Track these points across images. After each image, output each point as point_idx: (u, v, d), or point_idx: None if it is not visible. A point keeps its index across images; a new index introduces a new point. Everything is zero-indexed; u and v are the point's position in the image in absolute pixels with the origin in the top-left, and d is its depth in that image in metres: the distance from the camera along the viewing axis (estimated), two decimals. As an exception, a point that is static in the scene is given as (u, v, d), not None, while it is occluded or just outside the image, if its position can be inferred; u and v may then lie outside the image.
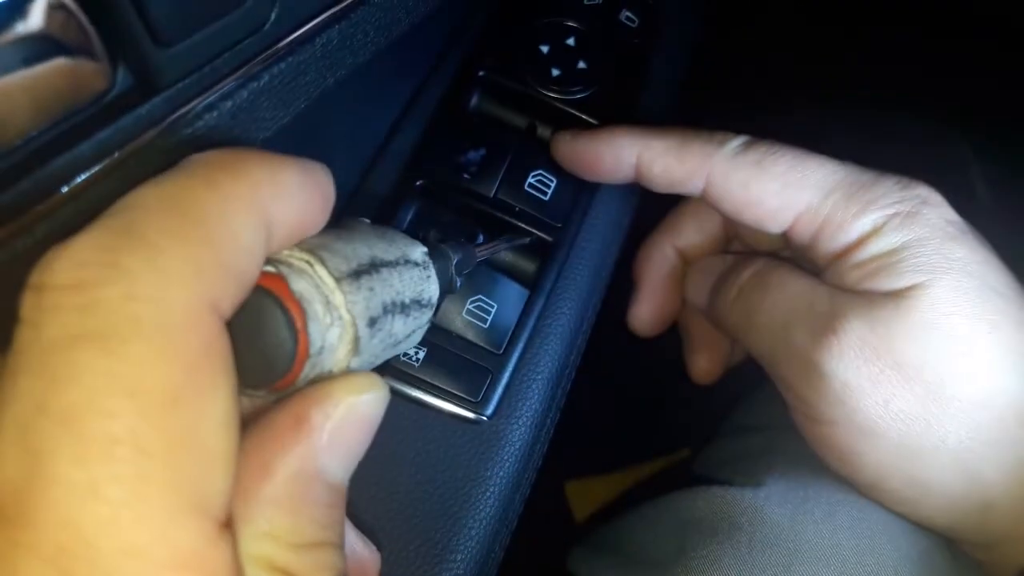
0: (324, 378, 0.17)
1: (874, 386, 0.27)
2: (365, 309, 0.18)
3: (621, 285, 0.37)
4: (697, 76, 0.42)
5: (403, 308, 0.19)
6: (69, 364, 0.12)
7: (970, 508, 0.28)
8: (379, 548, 0.22)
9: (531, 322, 0.32)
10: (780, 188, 0.29)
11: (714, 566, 0.30)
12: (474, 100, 0.35)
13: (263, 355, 0.16)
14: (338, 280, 0.17)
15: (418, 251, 0.21)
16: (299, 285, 0.17)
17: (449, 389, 0.30)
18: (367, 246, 0.19)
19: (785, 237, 0.32)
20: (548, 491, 0.66)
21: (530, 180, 0.33)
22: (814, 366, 0.28)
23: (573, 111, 0.35)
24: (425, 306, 0.21)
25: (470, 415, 0.30)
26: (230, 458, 0.14)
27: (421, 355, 0.30)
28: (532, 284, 0.33)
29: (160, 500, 0.12)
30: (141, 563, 0.12)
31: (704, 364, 0.37)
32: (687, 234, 0.37)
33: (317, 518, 0.16)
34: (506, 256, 0.33)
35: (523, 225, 0.33)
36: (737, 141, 0.30)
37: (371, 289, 0.18)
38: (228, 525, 0.14)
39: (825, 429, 0.29)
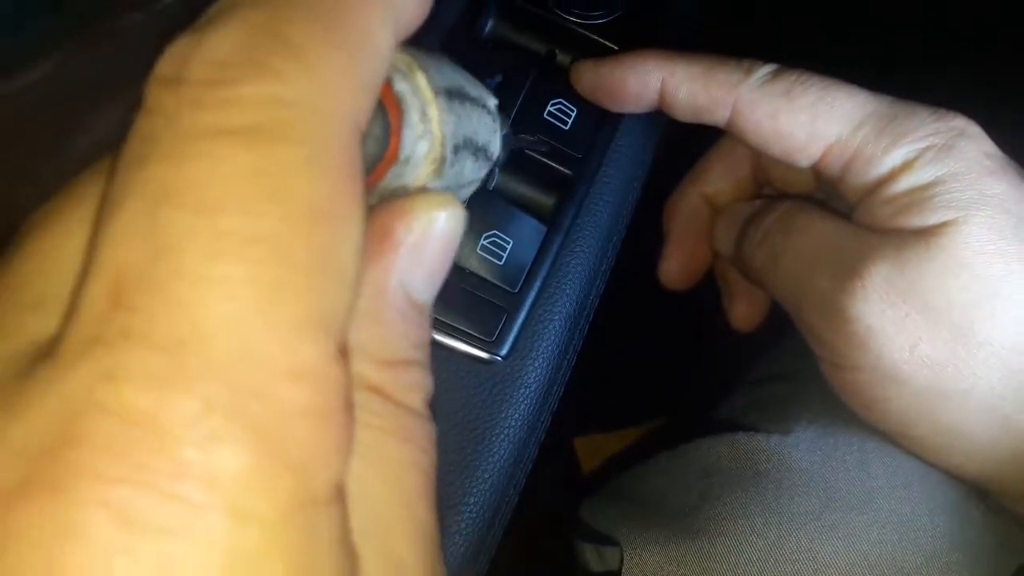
0: (400, 195, 0.16)
1: (899, 330, 0.26)
2: (452, 133, 0.17)
3: (642, 227, 0.36)
4: (723, 5, 0.40)
5: (475, 150, 0.19)
6: (211, 155, 0.11)
7: (1002, 457, 0.27)
8: None
9: (549, 260, 0.30)
10: (808, 119, 0.28)
11: (739, 513, 0.29)
12: (489, 25, 0.33)
13: None
14: (435, 93, 0.16)
15: (492, 100, 0.20)
16: (401, 87, 0.16)
17: (463, 328, 0.29)
18: (456, 73, 0.18)
19: (815, 172, 0.30)
20: (557, 447, 0.65)
21: (549, 109, 0.31)
22: (838, 310, 0.27)
23: (594, 36, 0.33)
24: (489, 159, 0.20)
25: (484, 355, 0.29)
26: (356, 282, 0.13)
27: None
28: (550, 220, 0.31)
29: (291, 310, 0.12)
30: (262, 370, 0.11)
31: (743, 310, 0.36)
32: (715, 181, 0.35)
33: (405, 334, 0.15)
34: (523, 189, 0.32)
35: (542, 158, 0.31)
36: (765, 69, 0.29)
37: (458, 116, 0.17)
38: (345, 353, 0.13)
39: (850, 375, 0.28)
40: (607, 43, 0.33)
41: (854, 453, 0.29)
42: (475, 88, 0.19)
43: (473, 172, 0.19)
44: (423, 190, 0.17)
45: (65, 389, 0.11)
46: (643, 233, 0.36)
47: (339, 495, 0.13)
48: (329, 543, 0.12)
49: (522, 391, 0.30)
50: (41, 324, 0.12)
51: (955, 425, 0.27)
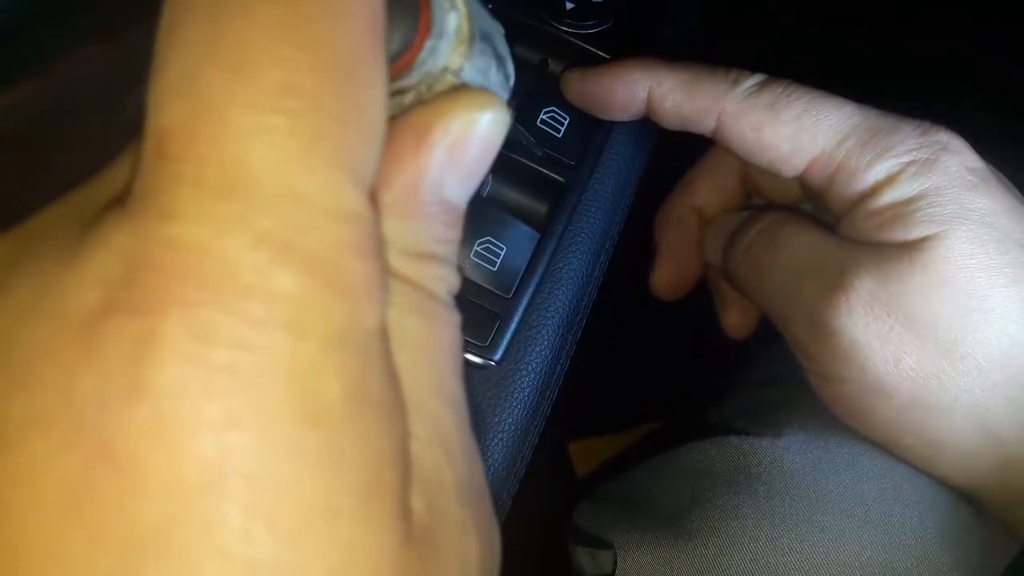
0: (439, 83, 0.17)
1: (884, 344, 0.26)
2: (477, 17, 0.17)
3: (634, 233, 0.36)
4: (719, 12, 0.40)
5: (500, 59, 0.19)
6: (246, 10, 0.12)
7: (988, 467, 0.27)
8: None
9: (542, 266, 0.31)
10: (792, 132, 0.28)
11: (731, 516, 0.29)
12: (483, 34, 0.34)
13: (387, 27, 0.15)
14: None
15: (503, 43, 0.20)
16: None
17: (456, 334, 0.29)
18: None
19: (801, 183, 0.31)
20: (552, 451, 0.65)
21: (542, 117, 0.32)
22: (823, 323, 0.27)
23: (588, 46, 0.33)
24: (508, 77, 0.20)
25: (478, 360, 0.29)
26: (383, 137, 0.14)
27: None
28: (543, 226, 0.31)
29: (331, 157, 0.12)
30: (306, 208, 0.12)
31: (736, 319, 0.36)
32: (704, 193, 0.36)
33: (431, 231, 0.16)
34: (516, 197, 0.32)
35: (535, 166, 0.31)
36: (751, 81, 0.29)
37: (479, 10, 0.17)
38: (375, 202, 0.13)
39: (836, 387, 0.28)
40: (599, 52, 0.33)
41: (845, 456, 0.29)
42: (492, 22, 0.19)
43: (498, 80, 0.19)
44: (465, 88, 0.17)
45: (133, 228, 0.12)
46: (636, 239, 0.36)
47: (384, 332, 0.13)
48: (379, 369, 0.13)
49: (516, 396, 0.30)
50: (119, 179, 0.13)
51: (940, 437, 0.27)
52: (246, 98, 0.12)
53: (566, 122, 0.32)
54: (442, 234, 0.16)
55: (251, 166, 0.12)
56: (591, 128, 0.32)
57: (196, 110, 0.12)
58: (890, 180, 0.27)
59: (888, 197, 0.27)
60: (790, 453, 0.30)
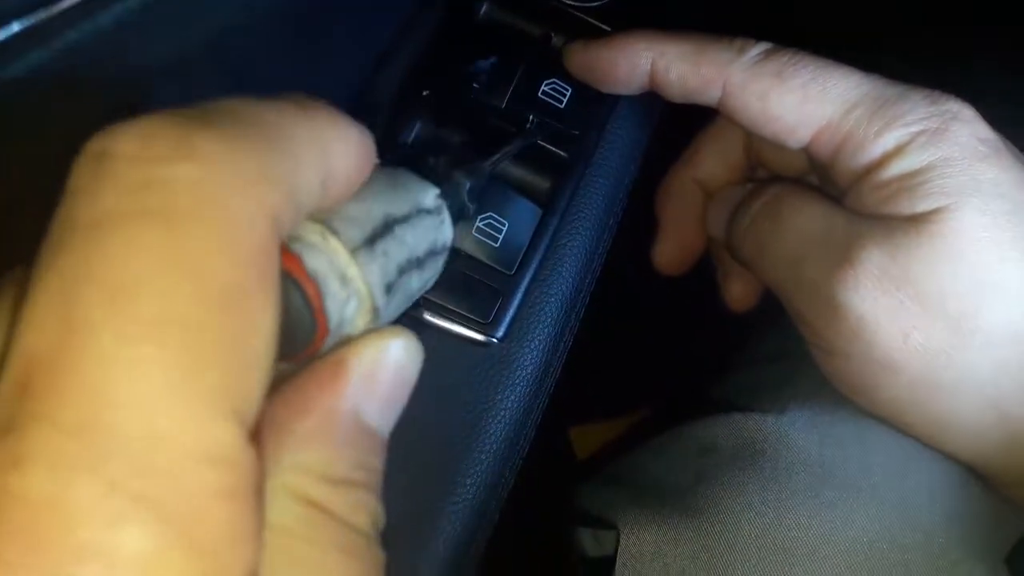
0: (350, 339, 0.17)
1: (892, 319, 0.25)
2: (381, 276, 0.17)
3: (639, 208, 0.36)
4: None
5: (418, 263, 0.19)
6: (127, 237, 0.12)
7: (995, 445, 0.27)
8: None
9: (544, 242, 0.30)
10: (798, 101, 0.28)
11: (736, 492, 0.28)
12: (484, 8, 0.33)
13: (284, 331, 0.15)
14: (353, 252, 0.17)
15: (430, 196, 0.20)
16: (313, 263, 0.16)
17: (458, 310, 0.29)
18: (380, 202, 0.18)
19: (808, 155, 0.30)
20: (553, 436, 0.65)
21: (544, 89, 0.31)
22: (829, 298, 0.26)
23: (590, 19, 0.33)
24: (439, 253, 0.20)
25: (480, 337, 0.29)
26: (268, 372, 0.13)
27: (428, 274, 0.29)
28: (546, 202, 0.31)
29: (203, 393, 0.12)
30: (172, 451, 0.11)
31: (738, 291, 0.36)
32: (707, 165, 0.35)
33: (352, 457, 0.16)
34: (519, 172, 0.31)
35: (538, 140, 0.31)
36: (757, 49, 0.28)
37: (386, 254, 0.18)
38: (256, 441, 0.13)
39: (841, 363, 0.28)
40: (602, 25, 0.33)
41: (851, 431, 0.29)
42: (407, 199, 0.19)
43: (424, 278, 0.19)
44: (370, 330, 0.17)
45: None
46: (640, 214, 0.36)
47: None
48: None
49: (518, 373, 0.30)
50: None
51: (947, 413, 0.27)
52: (118, 325, 0.11)
53: (568, 93, 0.31)
54: (362, 460, 0.16)
55: (113, 403, 0.11)
56: (594, 102, 0.32)
57: (65, 337, 0.11)
58: (898, 150, 0.26)
59: (896, 168, 0.26)
60: (795, 429, 0.30)
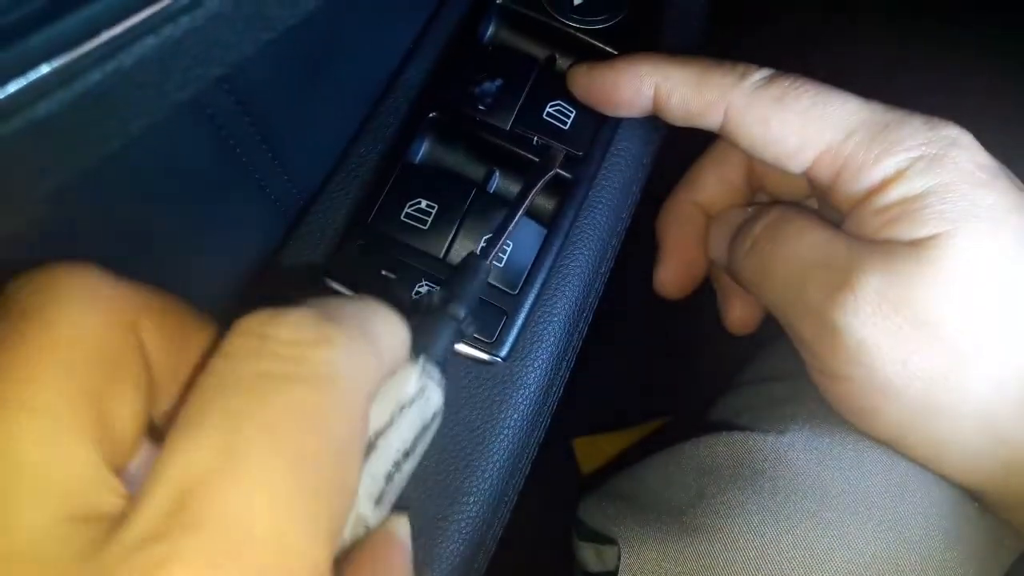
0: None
1: (892, 344, 0.26)
2: (368, 497, 0.19)
3: (641, 229, 0.36)
4: (726, 5, 0.40)
5: (407, 454, 0.20)
6: (282, 392, 0.15)
7: (993, 467, 0.27)
8: None
9: (548, 262, 0.31)
10: (800, 126, 0.28)
11: (736, 511, 0.29)
12: (490, 30, 0.34)
13: None
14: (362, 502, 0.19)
15: (411, 384, 0.21)
16: None
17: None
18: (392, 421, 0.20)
19: (808, 179, 0.31)
20: (556, 447, 0.65)
21: (548, 110, 0.32)
22: (829, 323, 0.27)
23: (594, 41, 0.33)
24: (429, 427, 0.21)
25: (484, 356, 0.29)
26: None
27: (433, 293, 0.29)
28: (550, 222, 0.31)
29: (321, 526, 0.15)
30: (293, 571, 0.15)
31: (738, 314, 0.36)
32: (708, 188, 0.35)
33: None
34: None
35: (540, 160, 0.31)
36: (759, 75, 0.29)
37: (370, 476, 0.19)
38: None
39: (841, 386, 0.28)
40: (607, 48, 0.33)
41: (849, 453, 0.29)
42: (387, 402, 0.20)
43: (415, 460, 0.21)
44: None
45: (131, 567, 0.13)
46: (642, 235, 0.36)
47: None
48: None
49: (522, 392, 0.30)
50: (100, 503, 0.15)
51: (946, 437, 0.27)
52: (269, 461, 0.14)
53: (572, 115, 0.32)
54: None
55: (256, 523, 0.14)
56: (597, 124, 0.32)
57: (226, 461, 0.14)
58: (898, 175, 0.27)
59: (896, 193, 0.27)
60: (794, 449, 0.30)
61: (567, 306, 0.31)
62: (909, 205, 0.26)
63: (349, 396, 0.16)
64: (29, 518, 0.14)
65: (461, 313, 0.24)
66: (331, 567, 0.15)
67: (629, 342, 0.63)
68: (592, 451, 0.66)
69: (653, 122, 0.33)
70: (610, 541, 0.33)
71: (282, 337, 0.16)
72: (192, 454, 0.14)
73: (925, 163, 0.27)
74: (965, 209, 0.26)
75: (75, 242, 0.20)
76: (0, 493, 0.14)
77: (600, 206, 0.33)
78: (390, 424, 0.20)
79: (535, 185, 0.30)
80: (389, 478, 0.20)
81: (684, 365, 0.60)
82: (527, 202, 0.29)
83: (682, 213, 0.36)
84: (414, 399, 0.21)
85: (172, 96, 0.17)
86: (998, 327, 0.26)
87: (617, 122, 0.33)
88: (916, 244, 0.26)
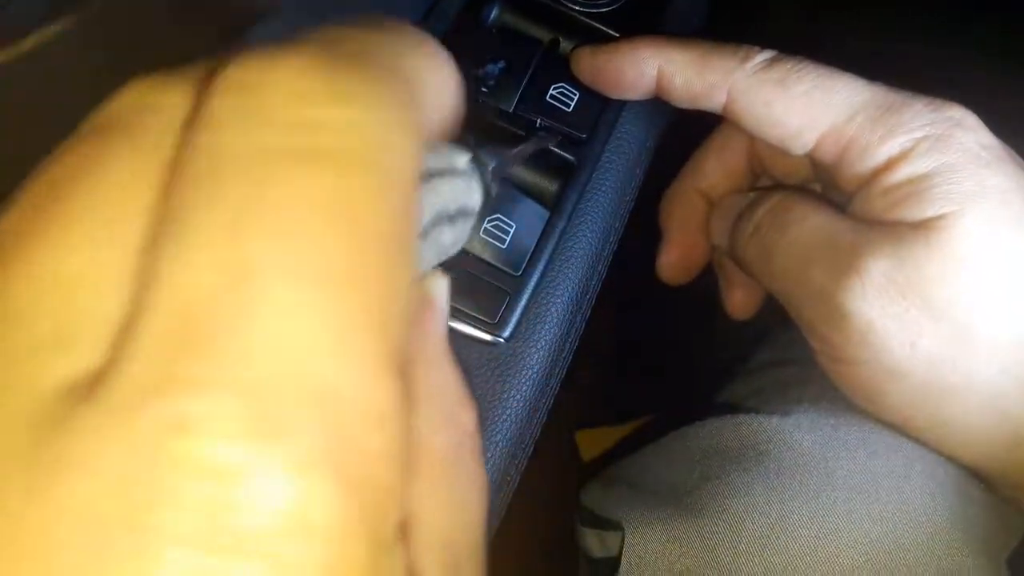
0: None
1: (900, 327, 0.26)
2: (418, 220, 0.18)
3: (645, 212, 0.36)
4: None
5: (450, 219, 0.19)
6: (290, 177, 0.11)
7: (1000, 447, 0.27)
8: None
9: (551, 244, 0.31)
10: (803, 107, 0.28)
11: (740, 493, 0.29)
12: (493, 12, 0.34)
13: None
14: None
15: (463, 159, 0.20)
16: None
17: (465, 310, 0.29)
18: None
19: (811, 161, 0.30)
20: (559, 438, 0.65)
21: (552, 92, 0.32)
22: (836, 307, 0.27)
23: (598, 25, 0.33)
24: (469, 215, 0.20)
25: (487, 337, 0.29)
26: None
27: (436, 274, 0.29)
28: (553, 205, 0.31)
29: (372, 348, 0.11)
30: (348, 413, 0.10)
31: (739, 299, 0.36)
32: (710, 174, 0.35)
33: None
34: (527, 174, 0.32)
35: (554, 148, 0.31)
36: (761, 57, 0.29)
37: (422, 202, 0.18)
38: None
39: (849, 369, 0.28)
40: (610, 31, 0.33)
41: (855, 434, 0.29)
42: (442, 158, 0.19)
43: (454, 235, 0.19)
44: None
45: (125, 442, 0.09)
46: (646, 217, 0.36)
47: (403, 533, 0.12)
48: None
49: (524, 373, 0.30)
50: (64, 364, 0.10)
51: (954, 418, 0.27)
52: (291, 274, 0.10)
53: (576, 97, 0.32)
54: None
55: (289, 360, 0.10)
56: (601, 106, 0.32)
57: (232, 281, 0.10)
58: (903, 156, 0.27)
59: (901, 174, 0.27)
60: (799, 431, 0.30)
61: (570, 287, 0.31)
62: (915, 185, 0.26)
63: (390, 177, 0.11)
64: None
65: (492, 163, 0.23)
66: (401, 402, 0.11)
67: (634, 328, 0.63)
68: (594, 443, 0.66)
69: (657, 105, 0.33)
70: (613, 527, 0.33)
71: (278, 91, 0.11)
72: (190, 270, 0.10)
73: (930, 143, 0.27)
74: (971, 189, 0.26)
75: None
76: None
77: (603, 188, 0.33)
78: (442, 175, 0.18)
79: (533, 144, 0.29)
80: (434, 222, 0.18)
81: (687, 357, 0.59)
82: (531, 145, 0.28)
83: (684, 199, 0.36)
84: (463, 173, 0.19)
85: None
86: (1006, 308, 0.26)
87: (621, 104, 0.33)
88: (923, 225, 0.26)
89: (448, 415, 0.15)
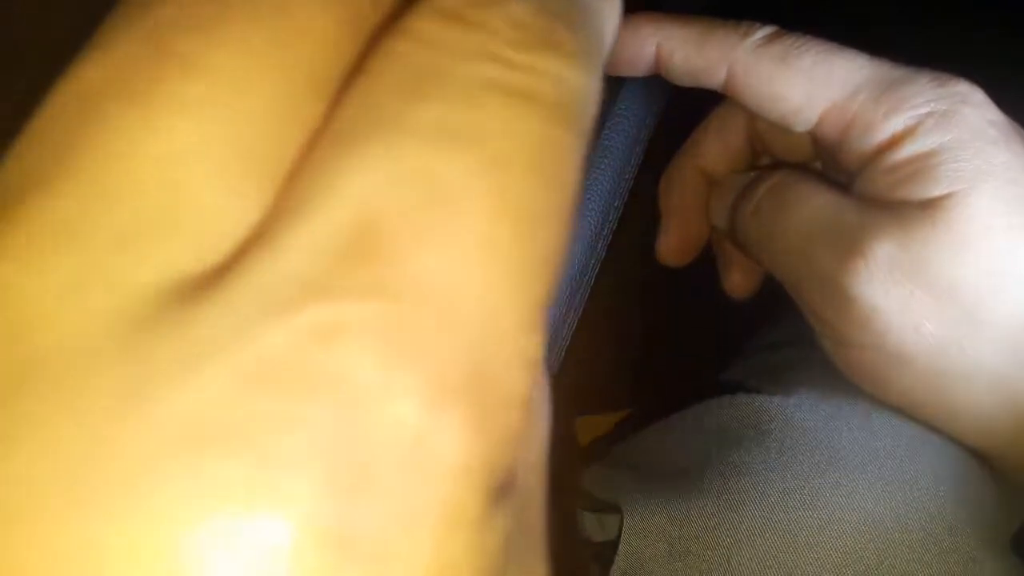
0: None
1: (905, 310, 0.25)
2: None
3: (644, 191, 0.36)
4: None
5: None
6: (502, 112, 0.10)
7: (1006, 431, 0.27)
8: None
9: (549, 223, 0.30)
10: (804, 83, 0.27)
11: (741, 472, 0.28)
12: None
13: None
14: None
15: None
16: None
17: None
18: None
19: (814, 139, 0.30)
20: (558, 425, 0.65)
21: (551, 68, 0.31)
22: (839, 289, 0.26)
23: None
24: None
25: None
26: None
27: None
28: (551, 183, 0.31)
29: (536, 294, 0.10)
30: (501, 348, 0.10)
31: (738, 279, 0.36)
32: (710, 153, 0.35)
33: None
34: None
35: None
36: (762, 32, 0.28)
37: None
38: None
39: (853, 353, 0.28)
40: (609, 7, 0.33)
41: (858, 413, 0.29)
42: None
43: None
44: None
45: (250, 350, 0.08)
46: (646, 199, 0.36)
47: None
48: (504, 539, 0.11)
49: (524, 353, 0.30)
50: (173, 258, 0.09)
51: (959, 402, 0.27)
52: (485, 205, 0.10)
53: None
54: None
55: (463, 286, 0.09)
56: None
57: (426, 206, 0.09)
58: (908, 132, 0.26)
59: (907, 150, 0.26)
60: (801, 410, 0.30)
61: (570, 267, 0.31)
62: (921, 163, 0.26)
63: (581, 136, 0.11)
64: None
65: None
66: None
67: (633, 316, 0.62)
68: (593, 430, 0.66)
69: (657, 82, 0.32)
70: (613, 509, 0.33)
71: (507, 33, 0.10)
72: (379, 177, 0.09)
73: (935, 119, 0.26)
74: (978, 167, 0.25)
75: None
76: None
77: (602, 167, 0.32)
78: None
79: None
80: None
81: (688, 341, 0.59)
82: None
83: (684, 179, 0.35)
84: None
85: None
86: (1015, 290, 0.25)
87: (620, 81, 0.32)
88: (928, 205, 0.25)
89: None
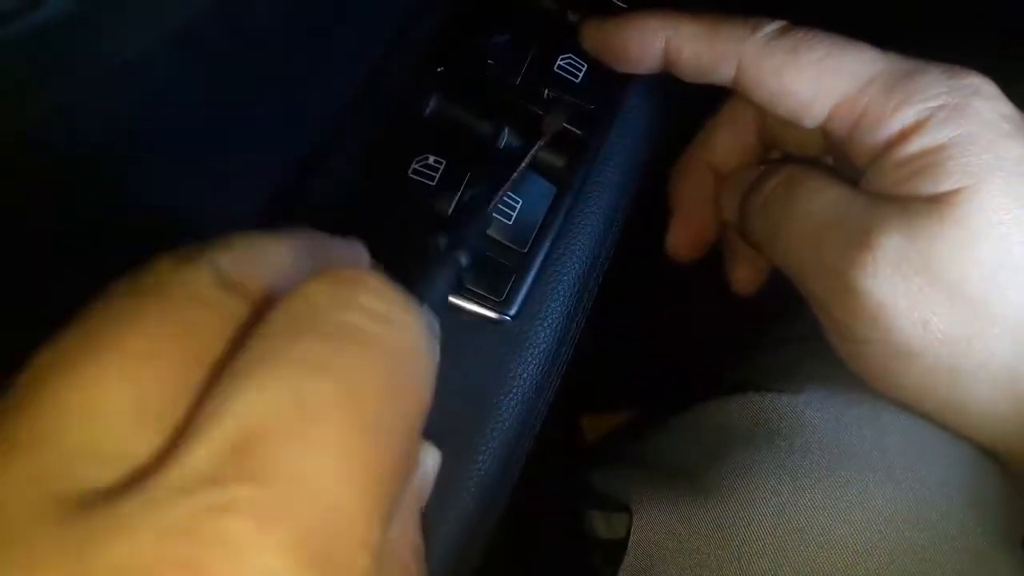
0: None
1: (912, 305, 0.25)
2: None
3: (654, 188, 0.35)
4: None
5: None
6: (360, 351, 0.14)
7: (1014, 428, 0.27)
8: None
9: (558, 220, 0.30)
10: (814, 77, 0.27)
11: (750, 471, 0.28)
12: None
13: None
14: None
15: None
16: None
17: (471, 287, 0.29)
18: None
19: (824, 133, 0.30)
20: (564, 424, 0.65)
21: (560, 63, 0.31)
22: (847, 284, 0.26)
23: (608, -3, 0.32)
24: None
25: (493, 315, 0.29)
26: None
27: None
28: (560, 180, 0.31)
29: (381, 493, 0.14)
30: (350, 537, 0.13)
31: (744, 275, 0.35)
32: (720, 147, 0.35)
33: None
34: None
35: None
36: (771, 27, 0.28)
37: None
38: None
39: (860, 348, 0.27)
40: (617, 2, 0.32)
41: (867, 411, 0.29)
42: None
43: None
44: None
45: (165, 519, 0.11)
46: (655, 195, 0.36)
47: None
48: None
49: (531, 350, 0.29)
50: (91, 473, 0.13)
51: (967, 399, 0.26)
52: (342, 425, 0.13)
53: (584, 68, 0.31)
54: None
55: (319, 486, 0.12)
56: (610, 75, 0.31)
57: (296, 418, 0.13)
58: (918, 126, 0.26)
59: (916, 145, 0.26)
60: (811, 408, 0.29)
61: (577, 264, 0.31)
62: (931, 157, 0.26)
63: (426, 372, 0.15)
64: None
65: (463, 260, 0.23)
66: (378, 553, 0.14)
67: (641, 314, 0.62)
68: (600, 429, 0.66)
69: (666, 78, 0.32)
70: (621, 508, 0.32)
71: (371, 291, 0.15)
72: (259, 397, 0.13)
73: (946, 113, 0.26)
74: (989, 162, 0.25)
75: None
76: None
77: (612, 164, 0.32)
78: None
79: (538, 143, 0.29)
80: None
81: (697, 338, 0.59)
82: (529, 157, 0.28)
83: (693, 173, 0.35)
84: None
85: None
86: (1020, 286, 0.25)
87: (630, 77, 0.32)
88: (937, 199, 0.25)
89: (403, 565, 0.17)
